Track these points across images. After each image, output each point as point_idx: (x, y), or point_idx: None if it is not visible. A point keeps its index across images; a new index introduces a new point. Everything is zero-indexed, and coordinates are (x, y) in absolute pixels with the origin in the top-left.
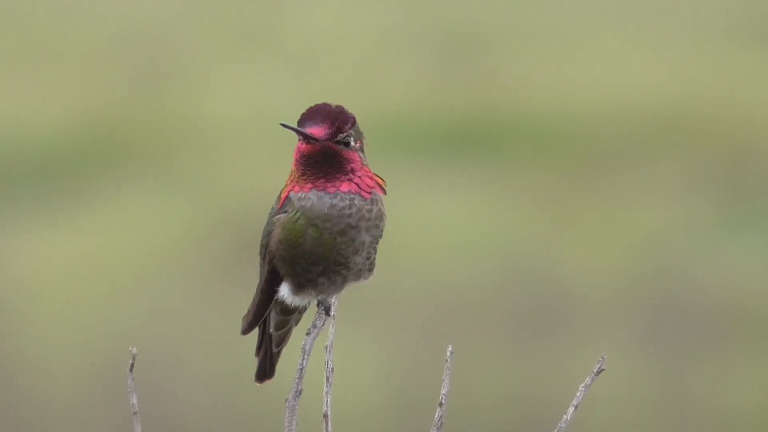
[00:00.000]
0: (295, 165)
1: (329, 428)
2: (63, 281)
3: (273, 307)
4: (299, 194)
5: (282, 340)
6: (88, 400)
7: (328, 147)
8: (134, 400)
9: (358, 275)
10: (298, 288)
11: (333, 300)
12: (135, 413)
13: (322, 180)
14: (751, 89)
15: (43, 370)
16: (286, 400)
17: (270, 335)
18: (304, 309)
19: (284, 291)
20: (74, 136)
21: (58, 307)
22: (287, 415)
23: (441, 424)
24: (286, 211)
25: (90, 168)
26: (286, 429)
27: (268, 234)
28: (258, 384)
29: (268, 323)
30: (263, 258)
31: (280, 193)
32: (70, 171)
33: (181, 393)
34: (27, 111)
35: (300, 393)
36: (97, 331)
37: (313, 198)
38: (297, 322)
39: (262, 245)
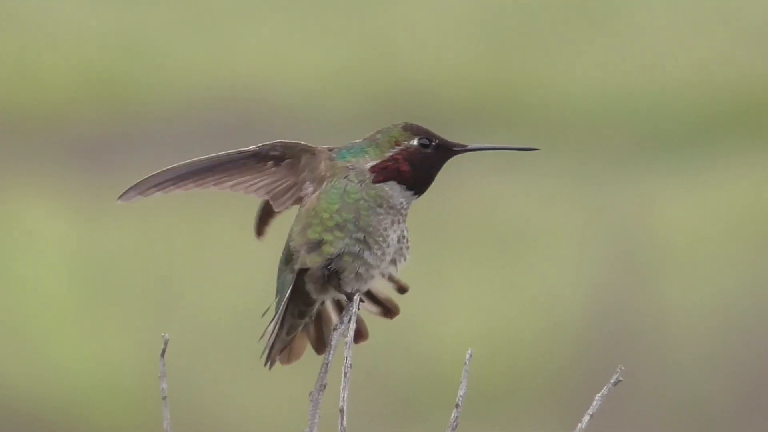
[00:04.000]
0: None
1: (344, 423)
2: (698, 240)
3: (291, 307)
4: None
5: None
6: None
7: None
8: (164, 385)
9: (388, 258)
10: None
11: (358, 296)
12: (164, 398)
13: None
14: None
15: None
16: (311, 393)
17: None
18: (318, 306)
19: (309, 286)
20: (719, 102)
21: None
22: (311, 408)
23: (456, 425)
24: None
25: (733, 131)
26: (310, 422)
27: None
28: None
29: (283, 326)
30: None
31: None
32: (714, 132)
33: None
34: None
35: (324, 387)
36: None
37: (396, 189)
38: (312, 318)
39: (283, 254)
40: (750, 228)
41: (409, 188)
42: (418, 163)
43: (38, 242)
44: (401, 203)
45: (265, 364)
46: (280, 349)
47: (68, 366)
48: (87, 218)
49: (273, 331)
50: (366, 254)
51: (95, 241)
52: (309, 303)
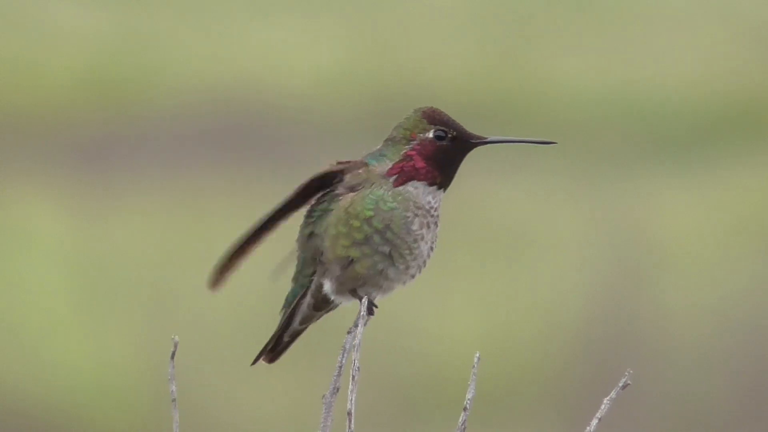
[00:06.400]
0: (418, 156)
1: (352, 425)
2: (700, 241)
3: (308, 300)
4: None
5: (299, 334)
6: None
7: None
8: (173, 388)
9: (412, 271)
10: (344, 282)
11: (375, 300)
12: (173, 400)
13: (431, 174)
14: None
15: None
16: (324, 396)
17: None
18: (335, 306)
19: (327, 287)
20: (720, 103)
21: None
22: (324, 411)
23: (464, 428)
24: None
25: (734, 132)
26: (322, 424)
27: (320, 215)
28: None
29: (295, 316)
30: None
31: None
32: (715, 133)
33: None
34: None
35: (337, 390)
36: None
37: (420, 188)
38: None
39: (304, 234)
40: (751, 229)
41: (431, 184)
42: (434, 157)
43: (38, 242)
44: (428, 202)
45: (256, 362)
46: (291, 340)
47: (68, 367)
48: (87, 218)
49: (280, 332)
50: (390, 270)
51: (95, 241)
52: (327, 301)
